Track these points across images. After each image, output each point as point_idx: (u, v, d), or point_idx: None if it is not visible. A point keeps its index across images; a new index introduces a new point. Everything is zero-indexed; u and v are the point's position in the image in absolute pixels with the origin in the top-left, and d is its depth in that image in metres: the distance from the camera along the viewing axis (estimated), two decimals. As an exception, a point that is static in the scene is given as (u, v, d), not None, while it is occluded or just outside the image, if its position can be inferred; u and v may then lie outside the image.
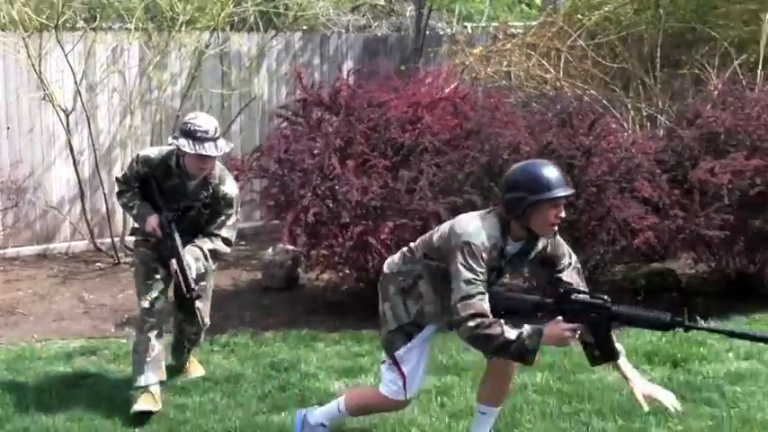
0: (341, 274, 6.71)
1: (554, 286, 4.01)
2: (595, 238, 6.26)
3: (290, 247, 6.97)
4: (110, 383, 5.31)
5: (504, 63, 8.75)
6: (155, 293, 4.98)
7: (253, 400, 5.04)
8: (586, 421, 4.69)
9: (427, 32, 10.41)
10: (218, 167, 5.04)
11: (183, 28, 8.32)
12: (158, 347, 4.95)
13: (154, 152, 5.06)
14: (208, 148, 4.77)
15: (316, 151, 6.49)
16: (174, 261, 4.87)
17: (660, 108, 8.11)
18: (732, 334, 3.84)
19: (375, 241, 6.06)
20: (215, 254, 5.01)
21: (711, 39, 8.40)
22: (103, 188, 8.23)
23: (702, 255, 6.94)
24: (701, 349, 5.70)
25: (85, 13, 8.53)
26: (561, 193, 3.81)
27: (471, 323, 3.71)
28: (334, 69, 9.28)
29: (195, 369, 5.45)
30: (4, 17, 7.86)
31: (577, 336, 3.83)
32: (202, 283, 5.08)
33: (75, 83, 8.03)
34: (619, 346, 3.88)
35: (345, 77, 7.26)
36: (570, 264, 4.07)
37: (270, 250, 7.49)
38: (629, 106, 8.21)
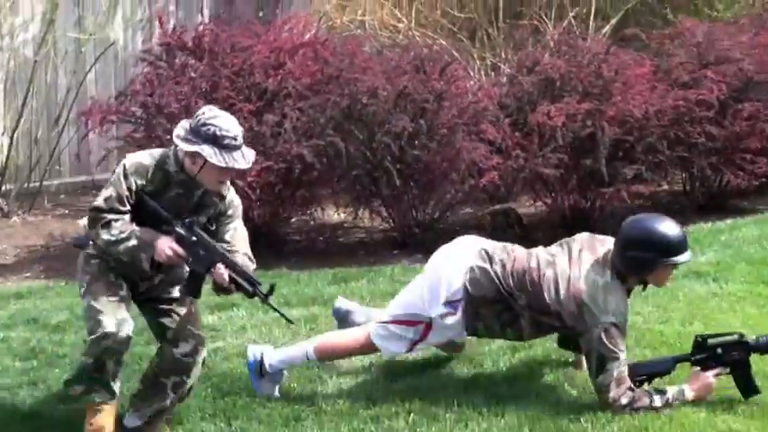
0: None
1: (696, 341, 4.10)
2: (447, 177, 6.80)
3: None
4: None
5: (359, 11, 9.14)
6: (122, 314, 3.82)
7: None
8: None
9: (283, -21, 10.60)
10: None
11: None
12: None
13: (144, 157, 3.90)
14: (238, 159, 3.76)
15: (181, 96, 6.67)
16: (220, 266, 3.77)
17: (503, 57, 8.73)
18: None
19: (243, 183, 6.33)
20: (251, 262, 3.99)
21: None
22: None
23: (540, 193, 7.55)
24: None
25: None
26: (689, 256, 4.05)
27: (624, 401, 3.97)
28: (189, 16, 9.36)
29: None
30: None
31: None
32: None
33: None
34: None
35: (208, 22, 7.40)
36: None
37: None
38: (476, 56, 8.77)
